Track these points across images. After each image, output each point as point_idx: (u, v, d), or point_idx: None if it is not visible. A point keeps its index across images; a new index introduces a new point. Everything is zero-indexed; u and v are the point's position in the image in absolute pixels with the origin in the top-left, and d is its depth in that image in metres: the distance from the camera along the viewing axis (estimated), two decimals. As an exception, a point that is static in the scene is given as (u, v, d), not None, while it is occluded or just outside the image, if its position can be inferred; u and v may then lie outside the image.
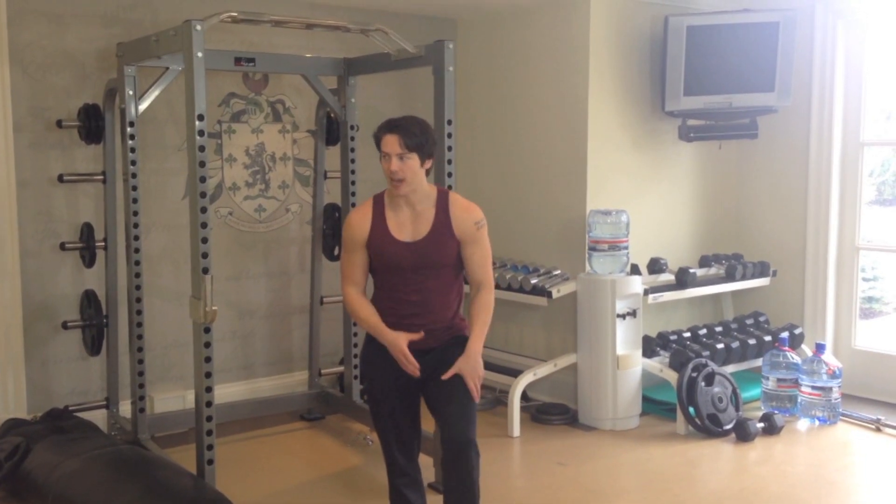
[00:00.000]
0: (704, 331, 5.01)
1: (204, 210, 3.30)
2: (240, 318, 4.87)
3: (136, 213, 4.06)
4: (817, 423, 4.61)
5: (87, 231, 4.24)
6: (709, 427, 4.40)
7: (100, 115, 4.17)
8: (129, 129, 4.00)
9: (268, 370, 4.99)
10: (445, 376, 2.90)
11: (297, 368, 5.04)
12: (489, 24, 5.25)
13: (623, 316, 4.50)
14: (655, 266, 4.89)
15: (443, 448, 2.91)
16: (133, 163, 4.03)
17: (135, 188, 4.05)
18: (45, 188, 4.24)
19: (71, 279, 4.35)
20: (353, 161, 4.53)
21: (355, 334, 4.61)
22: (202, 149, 3.29)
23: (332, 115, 4.61)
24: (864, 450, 4.34)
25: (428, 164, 2.95)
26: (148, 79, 4.05)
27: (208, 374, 3.36)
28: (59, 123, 4.16)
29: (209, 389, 3.38)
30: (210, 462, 3.42)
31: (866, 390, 5.01)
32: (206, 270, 3.28)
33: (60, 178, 4.16)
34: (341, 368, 4.84)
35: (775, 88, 4.83)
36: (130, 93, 3.97)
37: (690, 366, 4.47)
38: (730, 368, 4.75)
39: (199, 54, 3.23)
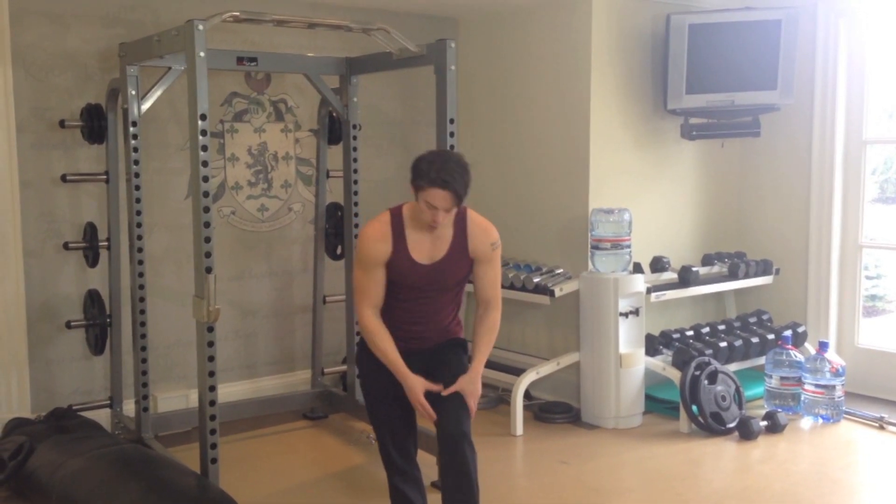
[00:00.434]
0: (707, 329, 5.00)
1: (207, 209, 3.30)
2: (243, 318, 4.88)
3: (139, 213, 4.07)
4: (820, 421, 4.61)
5: (90, 231, 4.24)
6: (712, 425, 4.40)
7: (102, 115, 4.17)
8: (131, 129, 4.01)
9: (271, 369, 4.99)
10: (446, 392, 2.89)
11: (300, 367, 5.05)
12: (491, 23, 5.24)
13: (626, 314, 4.50)
14: (658, 264, 4.89)
15: (439, 443, 2.91)
16: (136, 162, 4.03)
17: (138, 188, 4.05)
18: (49, 188, 4.25)
19: (74, 279, 4.36)
20: (355, 160, 4.53)
21: (357, 333, 4.59)
22: (205, 148, 3.29)
23: (335, 114, 4.61)
24: (868, 448, 4.34)
25: None
26: (150, 79, 4.05)
27: (212, 374, 3.37)
28: (61, 124, 4.16)
29: (212, 388, 3.39)
30: (213, 461, 3.42)
31: (870, 388, 5.00)
32: (209, 270, 3.28)
33: (63, 179, 4.16)
34: (344, 367, 4.84)
35: (777, 86, 4.82)
36: (133, 93, 3.97)
37: (693, 364, 4.46)
38: (733, 367, 4.74)
39: (202, 54, 3.23)
